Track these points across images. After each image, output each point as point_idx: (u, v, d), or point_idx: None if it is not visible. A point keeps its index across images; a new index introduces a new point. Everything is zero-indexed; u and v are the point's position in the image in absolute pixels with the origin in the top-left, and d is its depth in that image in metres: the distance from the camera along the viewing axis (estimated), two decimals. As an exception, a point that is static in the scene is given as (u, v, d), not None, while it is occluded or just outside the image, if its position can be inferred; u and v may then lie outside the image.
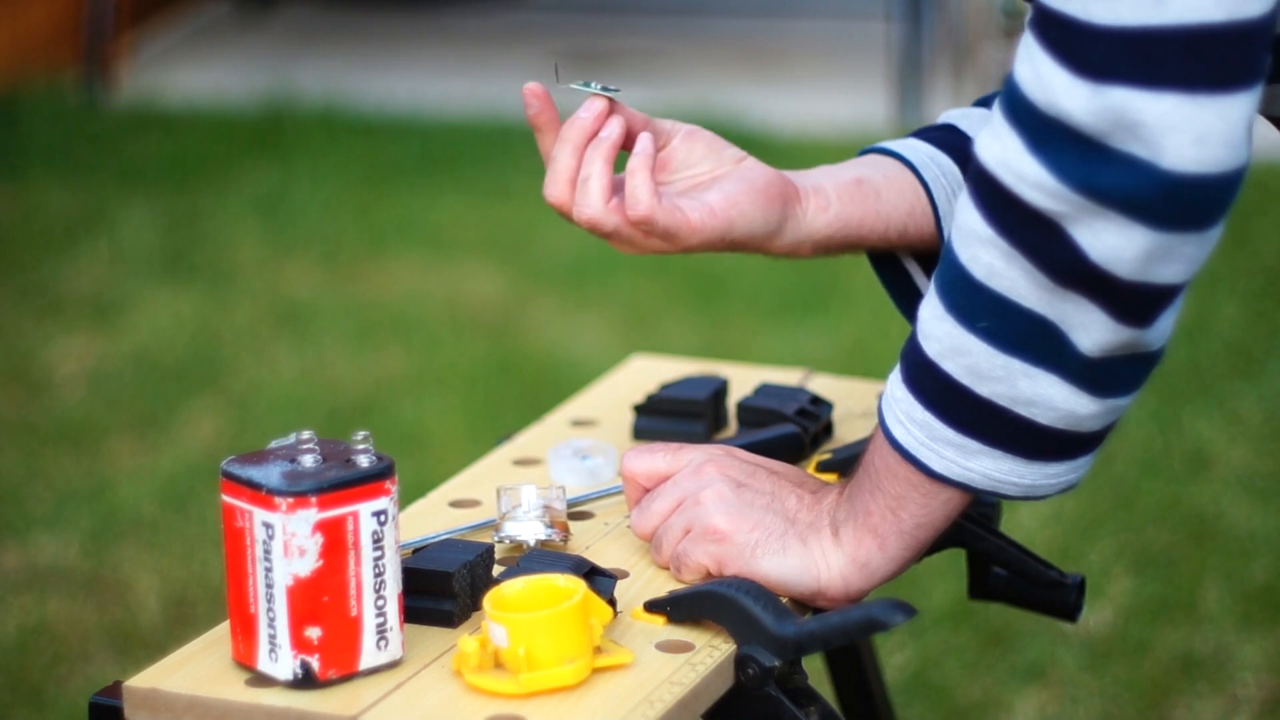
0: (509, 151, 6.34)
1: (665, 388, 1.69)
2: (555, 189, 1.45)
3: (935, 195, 1.53)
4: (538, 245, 5.44)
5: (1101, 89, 1.14)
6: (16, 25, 7.31)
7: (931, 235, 1.54)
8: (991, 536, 1.57)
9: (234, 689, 1.26)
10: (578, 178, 1.44)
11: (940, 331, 1.26)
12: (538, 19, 8.57)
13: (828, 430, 1.66)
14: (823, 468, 1.57)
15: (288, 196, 5.92)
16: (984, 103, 1.62)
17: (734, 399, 1.69)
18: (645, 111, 1.51)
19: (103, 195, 5.89)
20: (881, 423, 1.33)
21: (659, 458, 1.43)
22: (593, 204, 1.43)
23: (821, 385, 1.78)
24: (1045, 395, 1.24)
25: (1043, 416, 1.25)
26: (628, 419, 1.69)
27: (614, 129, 1.44)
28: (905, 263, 1.57)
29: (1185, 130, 1.14)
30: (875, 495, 1.34)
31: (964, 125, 1.58)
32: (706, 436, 1.65)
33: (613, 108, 1.46)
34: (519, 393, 4.25)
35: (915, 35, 6.81)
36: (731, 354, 3.93)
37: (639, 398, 1.71)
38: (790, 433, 1.59)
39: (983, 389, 1.25)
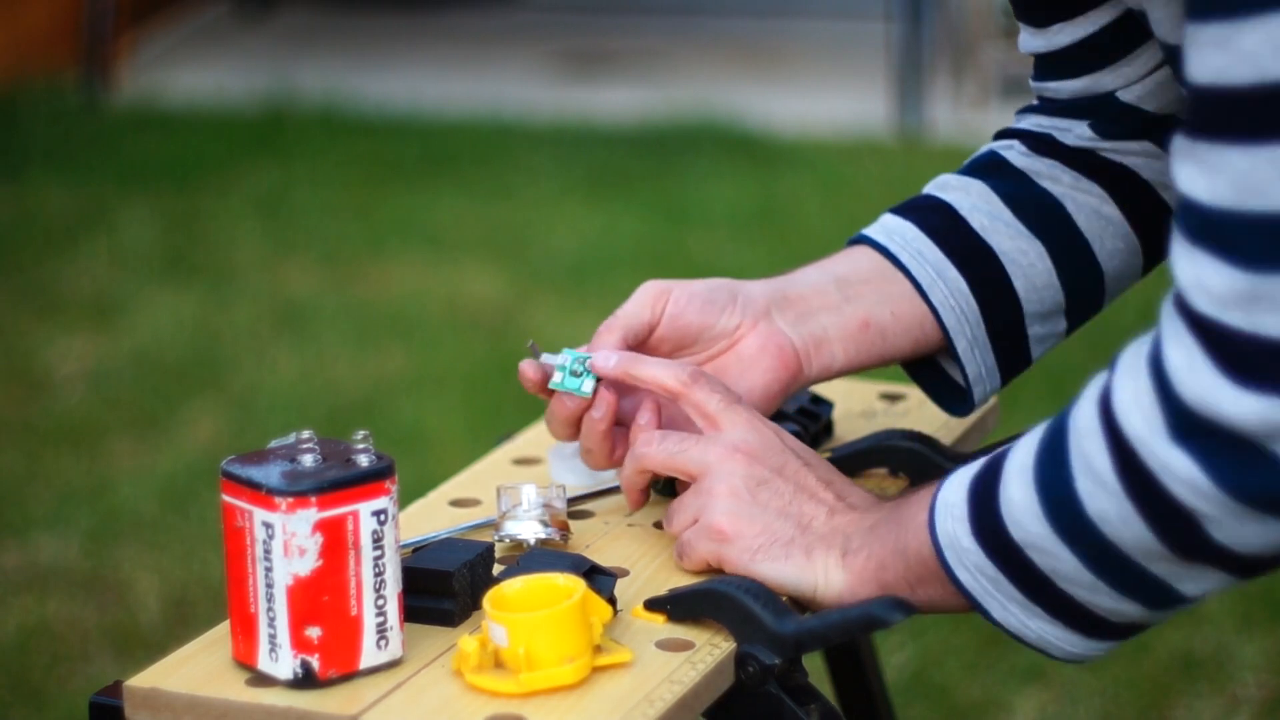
0: (509, 151, 6.34)
1: (665, 387, 1.69)
2: (561, 438, 1.51)
3: (945, 320, 1.50)
4: (538, 245, 5.44)
5: (1273, 401, 1.07)
6: (16, 25, 7.30)
7: (936, 349, 1.53)
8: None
9: (234, 689, 1.26)
10: (579, 443, 1.48)
11: (1034, 529, 1.21)
12: (538, 19, 8.57)
13: (828, 429, 1.66)
14: (823, 467, 1.57)
15: (288, 196, 5.92)
16: (975, 166, 1.58)
17: (734, 398, 1.69)
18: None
19: (103, 195, 5.89)
20: (940, 557, 1.27)
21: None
22: (598, 465, 1.48)
23: (821, 385, 1.78)
24: (1125, 613, 1.22)
25: (1116, 618, 1.23)
26: (628, 418, 1.69)
27: (605, 414, 1.46)
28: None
29: None
30: (897, 563, 1.30)
31: (964, 206, 1.54)
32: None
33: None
34: (519, 392, 4.23)
35: (915, 35, 6.81)
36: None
37: (639, 397, 1.71)
38: (791, 431, 1.59)
39: (1063, 585, 1.22)
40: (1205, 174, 1.08)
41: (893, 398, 1.75)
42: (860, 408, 1.73)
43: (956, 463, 1.55)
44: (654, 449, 1.41)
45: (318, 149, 6.39)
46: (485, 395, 4.31)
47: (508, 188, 5.99)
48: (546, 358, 1.47)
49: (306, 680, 1.25)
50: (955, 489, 1.27)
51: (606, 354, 1.45)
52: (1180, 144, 1.11)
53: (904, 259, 1.51)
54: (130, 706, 1.27)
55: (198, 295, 5.04)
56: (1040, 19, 1.52)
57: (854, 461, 1.57)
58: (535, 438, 1.69)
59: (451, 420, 4.15)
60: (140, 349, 4.65)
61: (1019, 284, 1.52)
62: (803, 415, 1.63)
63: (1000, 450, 1.26)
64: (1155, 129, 1.54)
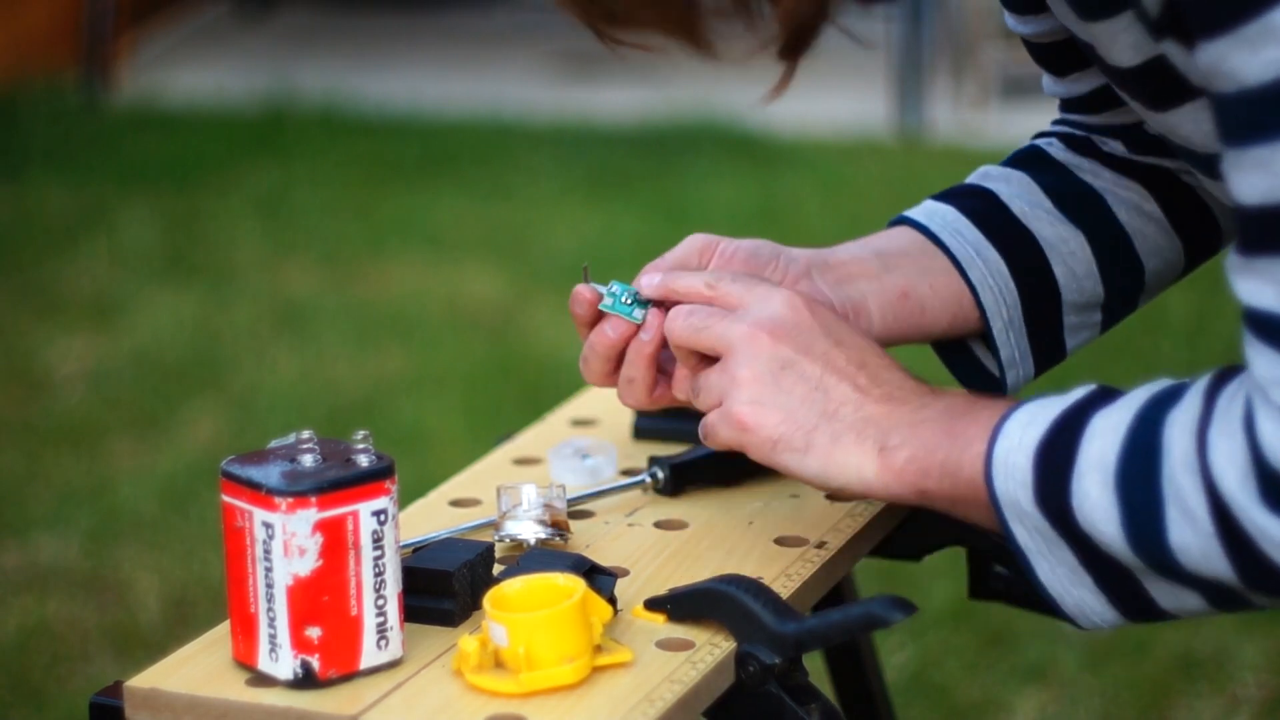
0: (509, 151, 6.34)
1: (665, 387, 1.69)
2: (593, 379, 1.46)
3: (982, 297, 1.49)
4: (538, 245, 5.44)
5: None
6: (16, 25, 7.31)
7: (972, 330, 1.52)
8: (992, 534, 1.57)
9: (234, 689, 1.26)
10: (620, 375, 1.44)
11: (1107, 531, 1.21)
12: (538, 19, 8.57)
13: (828, 429, 1.66)
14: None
15: (288, 196, 5.92)
16: (1016, 159, 1.58)
17: (734, 398, 1.69)
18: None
19: (103, 195, 5.89)
20: (996, 507, 1.26)
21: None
22: (638, 399, 1.44)
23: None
24: (1186, 605, 1.23)
25: (1171, 605, 1.24)
26: (628, 418, 1.69)
27: (653, 336, 1.42)
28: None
29: None
30: (943, 479, 1.28)
31: (1005, 193, 1.53)
32: (707, 436, 1.65)
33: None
34: (519, 392, 4.25)
35: (915, 35, 6.81)
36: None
37: (639, 397, 1.70)
38: (790, 432, 1.59)
39: (1129, 568, 1.23)
40: (1272, 285, 1.13)
41: (893, 398, 1.75)
42: (860, 408, 1.72)
43: None
44: (679, 323, 1.38)
45: (318, 149, 6.39)
46: (485, 395, 4.31)
47: (508, 188, 5.99)
48: (595, 287, 1.45)
49: (306, 680, 1.25)
50: (1018, 450, 1.24)
51: (651, 275, 1.43)
52: (1237, 261, 1.14)
53: (943, 237, 1.50)
54: (130, 707, 1.27)
55: (198, 295, 5.04)
56: (1060, 68, 1.53)
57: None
58: (535, 438, 1.69)
59: (451, 420, 4.15)
60: (140, 349, 4.65)
61: (1058, 270, 1.51)
62: (803, 415, 1.63)
63: (1067, 412, 1.24)
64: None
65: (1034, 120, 1.66)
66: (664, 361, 1.44)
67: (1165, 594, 1.23)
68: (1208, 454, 1.16)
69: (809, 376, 1.33)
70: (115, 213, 5.70)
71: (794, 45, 1.24)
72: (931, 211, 1.53)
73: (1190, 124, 1.29)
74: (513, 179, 6.06)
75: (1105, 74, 1.34)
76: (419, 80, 7.34)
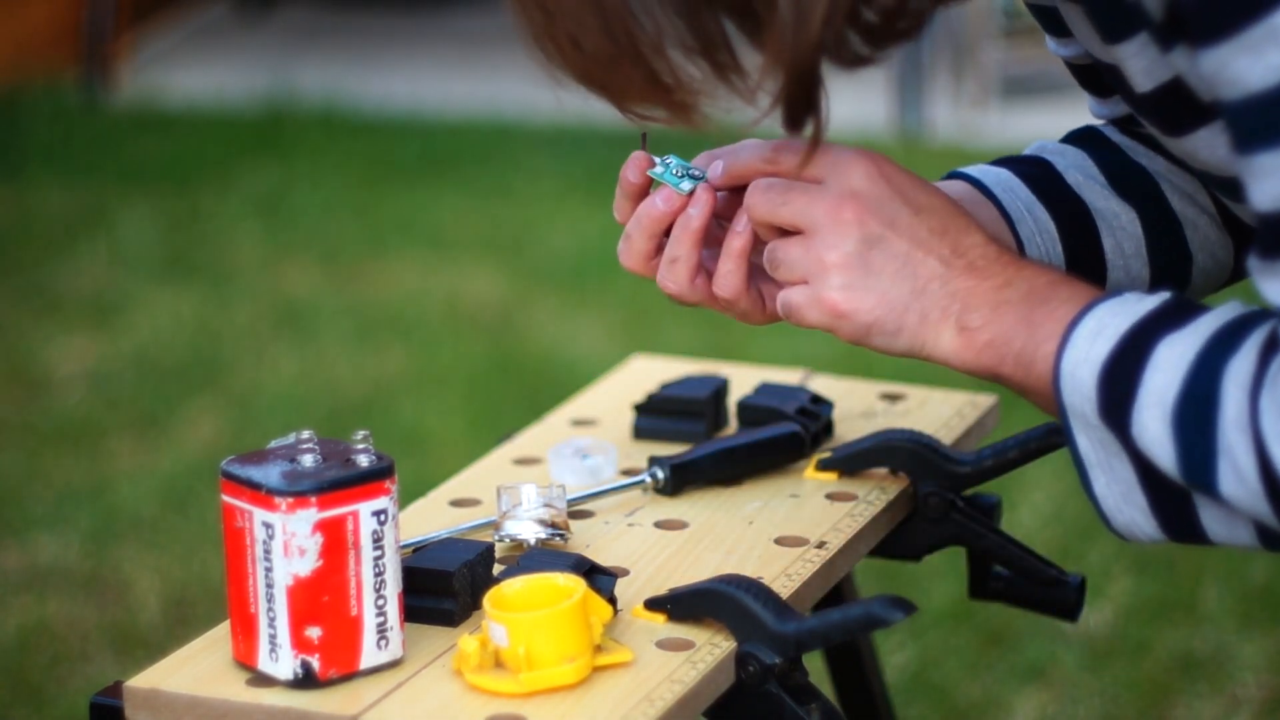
0: (509, 151, 6.34)
1: (666, 387, 1.69)
2: (632, 261, 1.41)
3: (1028, 253, 1.47)
4: (538, 245, 5.44)
5: None
6: (16, 25, 7.31)
7: None
8: (992, 534, 1.57)
9: (234, 689, 1.26)
10: (663, 255, 1.39)
11: (1164, 465, 1.22)
12: (538, 19, 8.55)
13: (828, 429, 1.66)
14: (823, 466, 1.57)
15: (288, 196, 5.92)
16: (1072, 136, 1.57)
17: (734, 398, 1.69)
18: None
19: (103, 195, 5.89)
20: (1063, 415, 1.26)
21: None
22: (680, 283, 1.39)
23: (821, 385, 1.78)
24: (1237, 537, 1.24)
25: (1219, 536, 1.25)
26: (628, 418, 1.69)
27: (701, 212, 1.38)
28: None
29: None
30: (1016, 368, 1.28)
31: (1060, 164, 1.52)
32: (707, 435, 1.65)
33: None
34: (519, 393, 4.25)
35: (915, 35, 6.80)
36: (731, 355, 3.93)
37: (639, 397, 1.71)
38: (791, 431, 1.59)
39: (1186, 489, 1.24)
40: None
41: (893, 398, 1.75)
42: (860, 408, 1.73)
43: (958, 463, 1.55)
44: (758, 197, 1.34)
45: (318, 149, 6.39)
46: (485, 395, 4.31)
47: (508, 188, 5.98)
48: (652, 173, 1.40)
49: (307, 680, 1.25)
50: (1084, 363, 1.24)
51: (716, 164, 1.38)
52: (1259, 265, 1.16)
53: (996, 191, 1.49)
54: (130, 707, 1.27)
55: (198, 295, 5.04)
56: (1101, 90, 1.53)
57: (854, 461, 1.57)
58: (535, 438, 1.69)
59: (451, 420, 4.15)
60: (140, 349, 4.65)
61: (1107, 243, 1.50)
62: (803, 415, 1.63)
63: (1136, 328, 1.23)
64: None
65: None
66: (706, 259, 1.39)
67: (1218, 522, 1.24)
68: (1259, 420, 1.17)
69: (897, 253, 1.31)
70: (115, 213, 5.70)
71: (792, 117, 1.24)
72: (986, 170, 1.52)
73: (1207, 149, 1.29)
74: (513, 179, 6.06)
75: (1127, 102, 1.34)
76: (419, 80, 7.34)
